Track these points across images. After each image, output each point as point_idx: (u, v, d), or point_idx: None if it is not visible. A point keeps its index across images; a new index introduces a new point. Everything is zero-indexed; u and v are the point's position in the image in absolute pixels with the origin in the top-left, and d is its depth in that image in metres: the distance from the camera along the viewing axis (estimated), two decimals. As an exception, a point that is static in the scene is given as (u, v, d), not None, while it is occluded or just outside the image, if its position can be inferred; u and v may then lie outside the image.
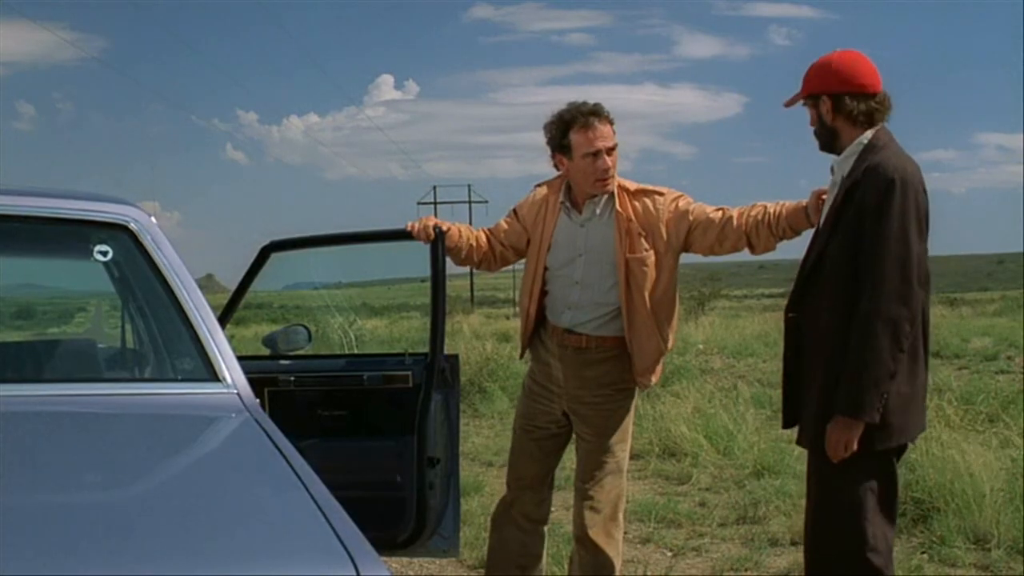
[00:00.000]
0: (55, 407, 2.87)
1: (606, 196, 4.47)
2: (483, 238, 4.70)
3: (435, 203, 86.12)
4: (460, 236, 4.63)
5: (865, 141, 3.71)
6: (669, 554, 6.28)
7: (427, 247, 4.46)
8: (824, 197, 3.99)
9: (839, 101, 3.73)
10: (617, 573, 4.51)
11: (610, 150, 4.42)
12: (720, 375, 14.82)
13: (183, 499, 2.22)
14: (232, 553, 1.87)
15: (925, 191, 3.64)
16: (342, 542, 1.89)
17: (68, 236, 3.49)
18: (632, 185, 4.48)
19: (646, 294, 4.40)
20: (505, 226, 4.71)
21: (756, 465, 8.28)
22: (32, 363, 3.54)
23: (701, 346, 18.88)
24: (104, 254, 3.35)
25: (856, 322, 3.57)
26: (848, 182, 3.68)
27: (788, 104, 3.94)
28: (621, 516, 4.58)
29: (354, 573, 1.79)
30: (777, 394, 12.25)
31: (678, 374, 13.26)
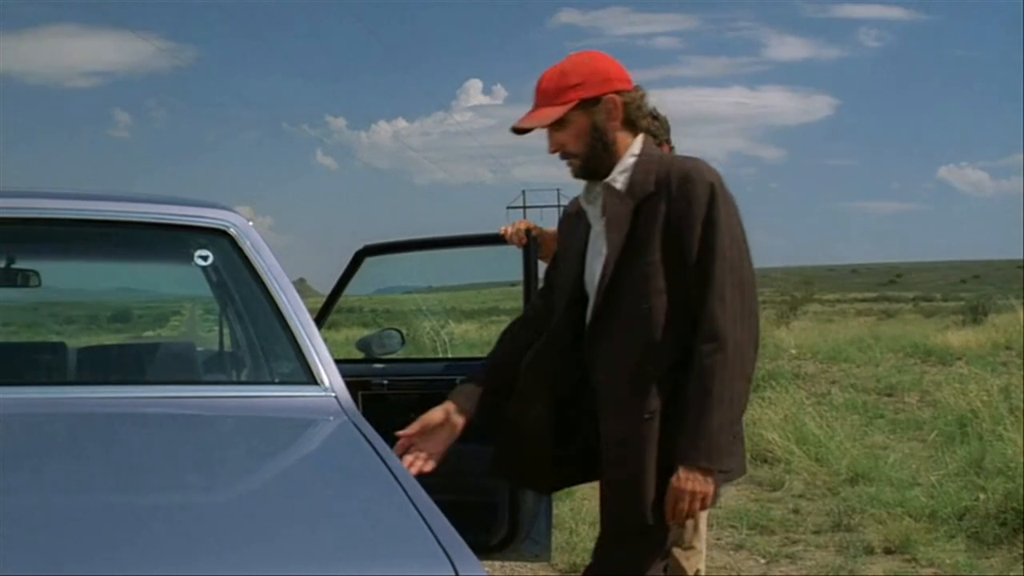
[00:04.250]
0: (156, 409, 2.92)
1: None
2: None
3: (524, 207, 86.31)
4: (553, 241, 4.63)
5: (637, 151, 3.21)
6: (763, 561, 6.23)
7: (519, 251, 4.46)
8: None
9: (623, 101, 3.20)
10: None
11: None
12: (813, 380, 14.67)
13: (282, 500, 2.24)
14: (331, 553, 1.89)
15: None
16: (440, 543, 1.90)
17: (168, 241, 3.55)
18: None
19: None
20: None
21: (850, 472, 8.19)
22: (133, 365, 3.61)
23: (794, 351, 18.69)
24: (205, 259, 3.40)
25: (697, 353, 3.03)
26: (639, 196, 3.14)
27: (534, 127, 3.24)
28: (703, 525, 4.53)
29: (452, 573, 1.81)
30: (873, 399, 12.17)
31: (770, 379, 13.13)
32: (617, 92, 3.18)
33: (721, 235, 3.04)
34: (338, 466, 2.57)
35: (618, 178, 3.18)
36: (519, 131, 3.27)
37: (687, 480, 3.02)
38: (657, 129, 4.44)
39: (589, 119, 3.18)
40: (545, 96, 3.21)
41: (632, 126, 3.22)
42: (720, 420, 3.01)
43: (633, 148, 3.21)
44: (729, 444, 3.10)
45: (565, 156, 3.24)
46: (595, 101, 3.17)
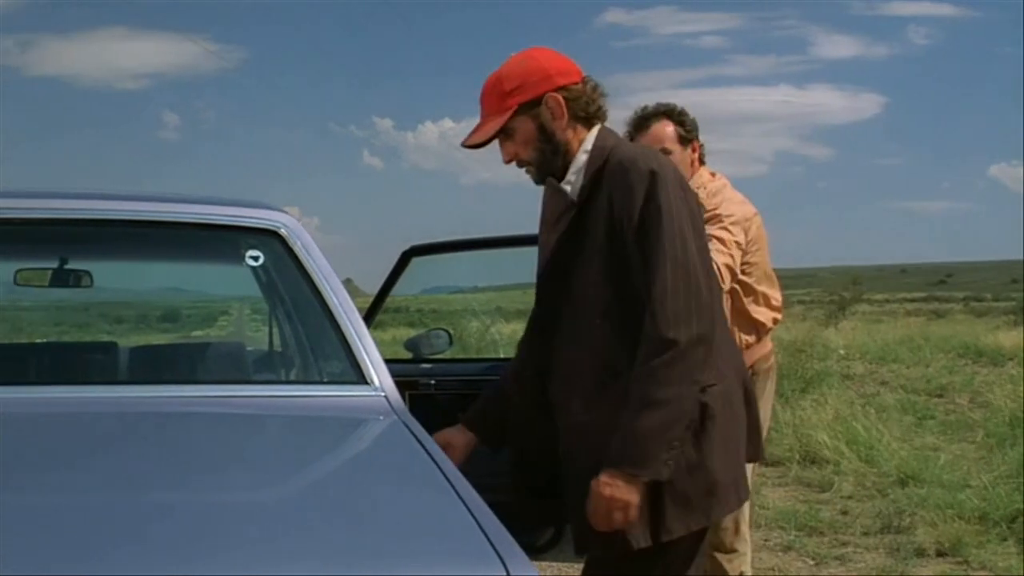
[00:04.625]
0: (208, 408, 2.93)
1: None
2: None
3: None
4: None
5: (590, 146, 3.00)
6: (811, 562, 6.19)
7: None
8: None
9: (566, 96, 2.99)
10: None
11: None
12: (862, 381, 14.55)
13: (332, 499, 2.25)
14: (382, 553, 1.89)
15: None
16: (491, 543, 1.90)
17: (219, 241, 3.57)
18: (706, 192, 4.35)
19: None
20: None
21: (900, 473, 8.10)
22: (185, 365, 3.64)
23: (842, 351, 18.53)
24: (256, 259, 3.42)
25: (639, 353, 2.78)
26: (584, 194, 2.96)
27: (480, 141, 3.02)
28: (745, 528, 4.51)
29: (504, 573, 1.80)
30: (923, 400, 12.07)
31: (818, 379, 13.03)
32: (559, 88, 2.97)
33: (662, 227, 2.79)
34: (388, 465, 2.57)
35: (571, 178, 2.99)
36: (471, 147, 3.05)
37: (606, 485, 2.75)
38: (690, 127, 4.45)
39: (534, 123, 2.97)
40: (488, 106, 3.03)
41: (585, 120, 3.00)
42: (652, 424, 2.73)
43: (585, 144, 2.99)
44: (664, 452, 2.74)
45: (521, 165, 3.04)
46: (536, 103, 2.96)
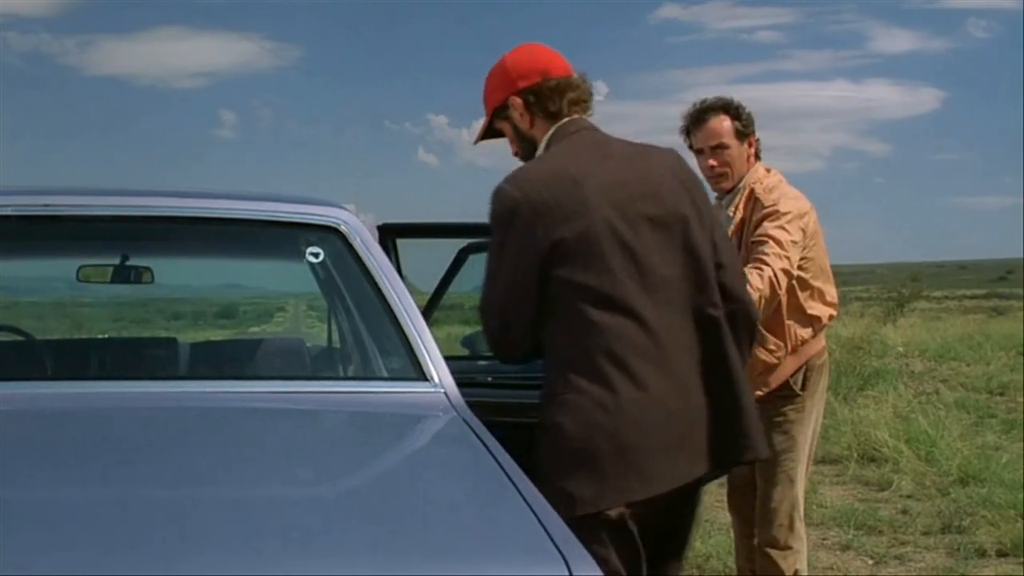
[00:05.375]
0: (269, 404, 2.95)
1: (736, 195, 4.39)
2: None
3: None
4: None
5: (541, 149, 3.15)
6: (870, 562, 6.13)
7: None
8: None
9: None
10: None
11: (715, 148, 4.37)
12: (921, 379, 14.39)
13: (392, 496, 2.24)
14: (443, 551, 1.88)
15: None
16: (553, 541, 1.88)
17: (279, 238, 3.60)
18: (762, 187, 4.34)
19: None
20: None
21: (960, 472, 8.00)
22: (245, 361, 3.66)
23: (901, 349, 18.35)
24: (316, 255, 3.44)
25: None
26: None
27: (476, 141, 3.33)
28: (800, 525, 4.47)
29: (567, 573, 1.78)
30: (984, 398, 11.94)
31: (877, 377, 12.91)
32: (519, 91, 3.11)
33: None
34: (448, 462, 2.58)
35: None
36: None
37: None
38: (747, 121, 4.42)
39: (509, 124, 3.17)
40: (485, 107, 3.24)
41: (552, 116, 3.11)
42: None
43: (540, 146, 3.14)
44: None
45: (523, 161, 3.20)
46: (505, 107, 3.14)
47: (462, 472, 2.46)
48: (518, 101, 3.11)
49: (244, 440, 2.71)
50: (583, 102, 3.14)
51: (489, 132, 3.26)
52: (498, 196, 2.96)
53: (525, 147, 3.17)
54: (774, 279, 4.05)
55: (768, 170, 4.44)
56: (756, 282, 4.00)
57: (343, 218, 3.30)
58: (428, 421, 2.95)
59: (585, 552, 1.85)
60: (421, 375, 3.00)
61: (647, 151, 3.12)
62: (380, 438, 2.88)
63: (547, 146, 3.10)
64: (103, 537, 1.85)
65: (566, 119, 3.10)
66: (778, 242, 4.12)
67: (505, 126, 3.18)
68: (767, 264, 4.06)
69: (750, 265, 4.09)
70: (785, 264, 4.10)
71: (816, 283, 4.38)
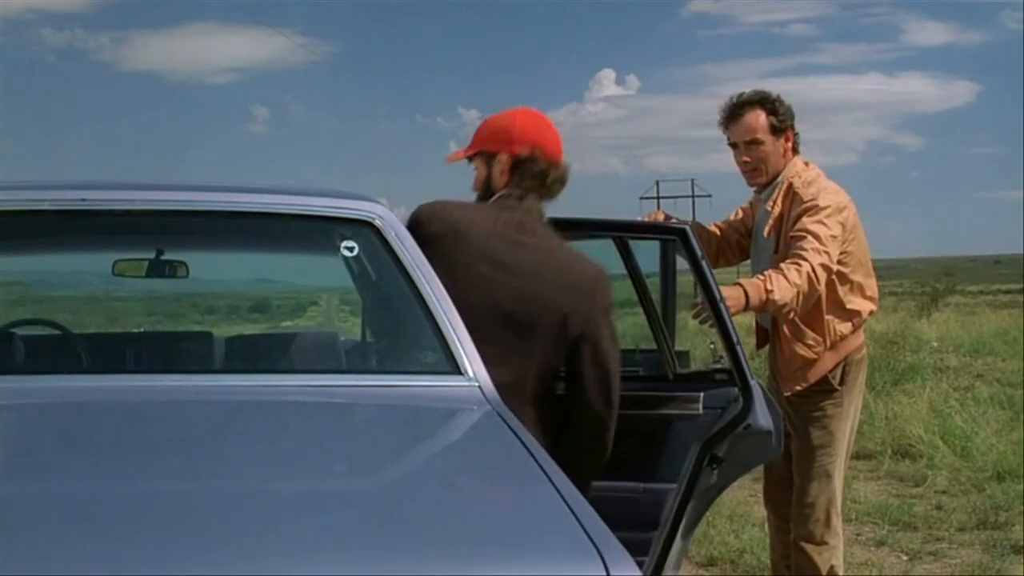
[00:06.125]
0: (303, 397, 2.96)
1: (774, 189, 4.37)
2: (708, 238, 4.65)
3: (658, 198, 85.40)
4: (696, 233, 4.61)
5: None
6: (905, 558, 6.11)
7: (653, 243, 4.44)
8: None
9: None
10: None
11: (748, 144, 4.36)
12: (956, 374, 14.30)
13: (427, 492, 2.23)
14: (478, 550, 1.86)
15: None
16: (591, 539, 1.84)
17: (313, 232, 3.60)
18: (800, 181, 4.33)
19: None
20: (732, 217, 4.70)
21: (996, 468, 7.95)
22: (279, 354, 3.67)
23: (935, 344, 18.24)
24: (351, 250, 3.44)
25: None
26: None
27: (451, 159, 3.70)
28: (836, 521, 4.44)
29: (604, 572, 1.74)
30: (1020, 394, 11.85)
31: (911, 372, 12.84)
32: (514, 155, 3.44)
33: None
34: (482, 457, 2.57)
35: None
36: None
37: None
38: (783, 115, 4.40)
39: (486, 169, 3.52)
40: (474, 135, 3.61)
41: (519, 184, 3.46)
42: None
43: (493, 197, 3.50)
44: None
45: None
46: (494, 156, 3.48)
47: (496, 467, 2.43)
48: (505, 160, 3.42)
49: (279, 434, 2.72)
50: (553, 186, 3.46)
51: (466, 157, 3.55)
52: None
53: (484, 191, 3.48)
54: (812, 275, 4.03)
55: (807, 164, 4.42)
56: (794, 277, 3.99)
57: (377, 212, 3.30)
58: (462, 415, 2.94)
59: (623, 550, 1.81)
60: (455, 369, 2.99)
61: (554, 259, 3.36)
62: (414, 432, 2.88)
63: (493, 201, 3.43)
64: (136, 531, 1.85)
65: (524, 194, 3.41)
66: (817, 237, 4.10)
67: (481, 167, 3.50)
68: (805, 259, 4.05)
69: (788, 260, 4.07)
70: (824, 259, 4.08)
71: (856, 277, 4.35)
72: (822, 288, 4.13)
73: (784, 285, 4.01)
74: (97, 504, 1.99)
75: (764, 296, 3.98)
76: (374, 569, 1.75)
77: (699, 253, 3.66)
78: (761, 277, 4.07)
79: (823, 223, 4.15)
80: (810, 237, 4.10)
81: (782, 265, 4.08)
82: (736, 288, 3.98)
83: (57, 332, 3.96)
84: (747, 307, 4.01)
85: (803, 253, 4.07)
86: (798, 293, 4.02)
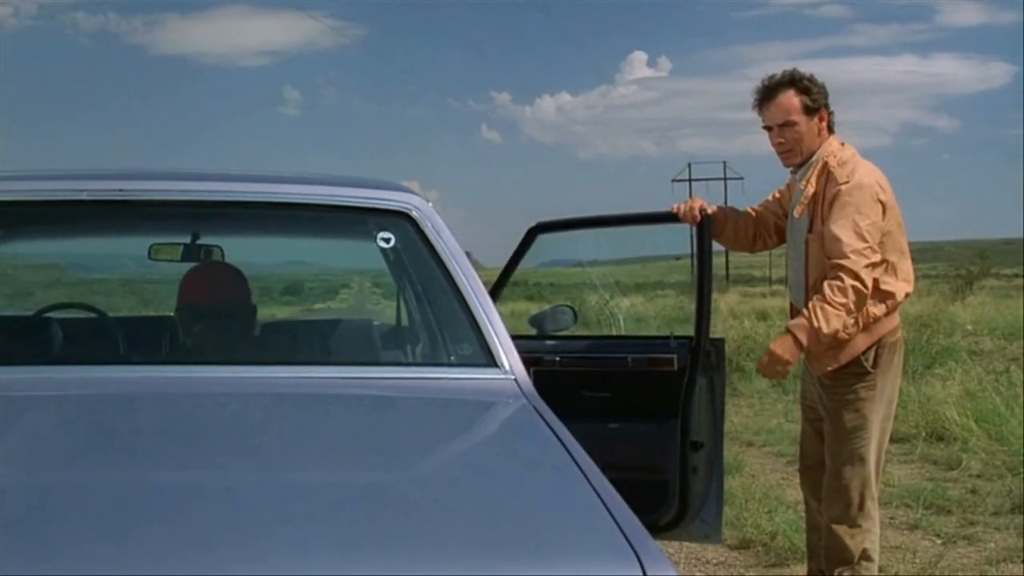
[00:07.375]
0: (339, 390, 2.96)
1: (808, 170, 4.36)
2: (745, 221, 4.65)
3: (690, 180, 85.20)
4: (725, 219, 4.60)
5: None
6: (939, 542, 6.08)
7: (686, 227, 4.45)
8: None
9: None
10: (858, 559, 4.38)
11: (782, 126, 4.36)
12: (991, 357, 14.21)
13: (461, 487, 2.21)
14: (507, 550, 1.83)
15: None
16: (627, 538, 1.82)
17: (349, 223, 3.60)
18: (835, 160, 4.33)
19: (818, 276, 4.27)
20: (769, 198, 4.70)
21: (1032, 452, 7.90)
22: (316, 343, 3.67)
23: (969, 327, 18.12)
24: (387, 241, 3.44)
25: None
26: None
27: None
28: (870, 504, 4.43)
29: (640, 573, 1.72)
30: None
31: (945, 355, 12.77)
32: None
33: None
34: (517, 452, 2.55)
35: None
36: None
37: None
38: (817, 95, 4.41)
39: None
40: None
41: None
42: None
43: None
44: None
45: None
46: None
47: (531, 463, 2.41)
48: None
49: (314, 426, 2.73)
50: None
51: None
52: None
53: None
54: (856, 284, 4.15)
55: (842, 144, 4.41)
56: (839, 298, 4.13)
57: (414, 203, 3.30)
58: (497, 408, 2.95)
59: (658, 549, 1.80)
60: (491, 361, 2.99)
61: None
62: (449, 425, 2.87)
63: None
64: (172, 522, 1.87)
65: None
66: (850, 237, 4.16)
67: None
68: (843, 269, 4.15)
69: (828, 279, 4.18)
70: (863, 261, 4.17)
71: (891, 257, 4.32)
72: (870, 285, 4.15)
73: (831, 313, 4.11)
74: (131, 500, 2.00)
75: (814, 334, 4.13)
76: (405, 568, 1.74)
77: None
78: (805, 313, 4.16)
79: (860, 213, 4.15)
80: (844, 241, 4.12)
81: (824, 286, 4.12)
82: (786, 339, 4.16)
83: (93, 315, 3.99)
84: (803, 350, 4.22)
85: (840, 262, 4.13)
86: (847, 312, 4.09)
